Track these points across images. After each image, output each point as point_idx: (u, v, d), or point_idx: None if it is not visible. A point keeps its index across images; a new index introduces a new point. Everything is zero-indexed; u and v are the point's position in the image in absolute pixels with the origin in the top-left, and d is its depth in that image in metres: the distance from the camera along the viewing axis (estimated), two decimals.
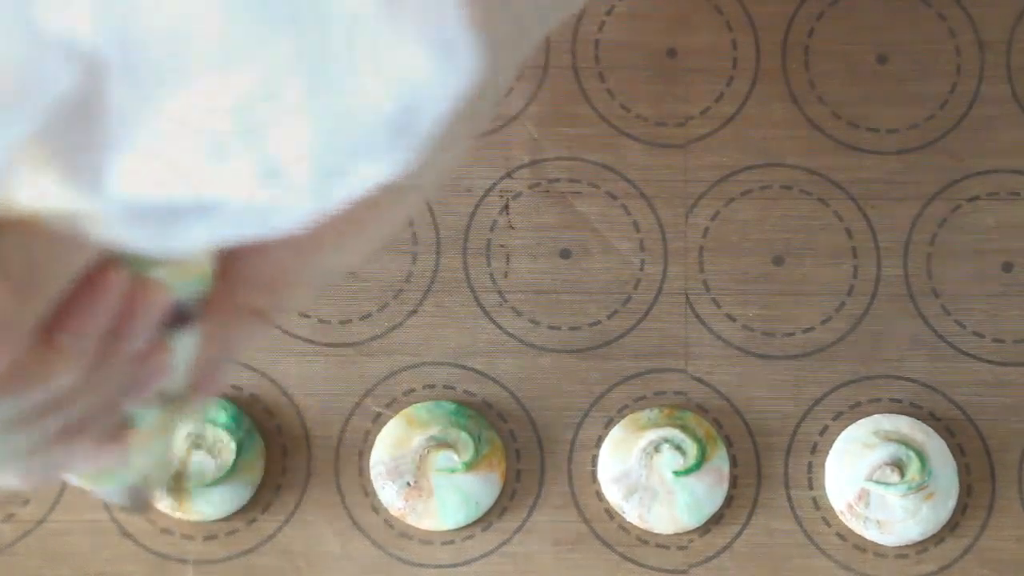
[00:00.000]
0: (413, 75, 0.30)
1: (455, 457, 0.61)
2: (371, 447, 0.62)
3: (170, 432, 0.41)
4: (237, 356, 0.41)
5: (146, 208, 0.30)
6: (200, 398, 0.40)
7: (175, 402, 0.40)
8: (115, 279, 0.34)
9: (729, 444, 0.63)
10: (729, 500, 0.63)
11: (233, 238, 0.31)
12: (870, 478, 0.61)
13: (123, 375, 0.36)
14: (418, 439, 0.61)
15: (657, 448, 0.61)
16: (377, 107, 0.30)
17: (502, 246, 0.65)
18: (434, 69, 0.30)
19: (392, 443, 0.62)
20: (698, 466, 0.61)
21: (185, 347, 0.37)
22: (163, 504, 0.61)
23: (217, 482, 0.61)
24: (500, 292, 0.65)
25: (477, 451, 0.61)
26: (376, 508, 0.62)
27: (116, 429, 0.39)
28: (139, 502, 0.48)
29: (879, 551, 0.62)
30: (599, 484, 0.63)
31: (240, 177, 0.29)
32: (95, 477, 0.44)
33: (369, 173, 0.31)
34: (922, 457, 0.61)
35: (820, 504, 0.63)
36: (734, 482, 0.63)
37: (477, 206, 0.65)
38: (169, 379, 0.38)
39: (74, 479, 0.44)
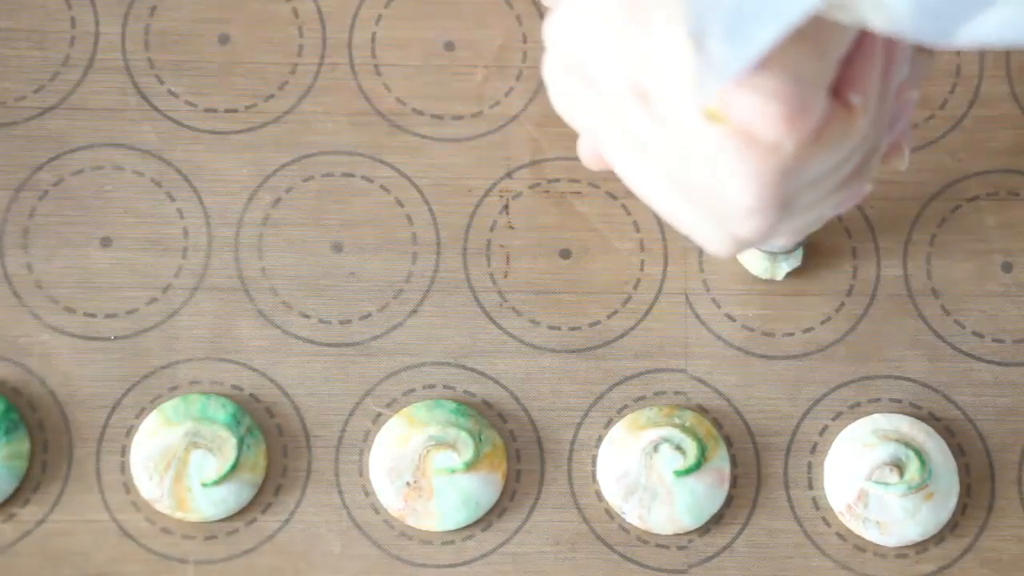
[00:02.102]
0: None
1: (455, 457, 0.61)
2: (371, 447, 0.62)
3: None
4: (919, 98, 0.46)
5: (940, 2, 0.32)
6: (904, 138, 0.46)
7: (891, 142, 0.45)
8: (879, 38, 0.37)
9: (729, 444, 0.63)
10: (729, 500, 0.63)
11: (1006, 43, 0.33)
12: (870, 478, 0.61)
13: (884, 118, 0.40)
14: (418, 439, 0.61)
15: (657, 448, 0.61)
16: None
17: (502, 246, 0.65)
18: None
19: (392, 443, 0.62)
20: (698, 466, 0.61)
21: (916, 77, 0.43)
22: (163, 505, 0.61)
23: (218, 482, 0.61)
24: (500, 292, 0.65)
25: (477, 451, 0.61)
26: (376, 508, 0.62)
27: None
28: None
29: (879, 551, 0.62)
30: (599, 484, 0.63)
31: None
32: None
33: None
34: (922, 457, 0.61)
35: (820, 504, 0.63)
36: (734, 482, 0.63)
37: (477, 206, 0.65)
38: (903, 122, 0.43)
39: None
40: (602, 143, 0.42)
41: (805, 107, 0.36)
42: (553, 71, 0.41)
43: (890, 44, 0.38)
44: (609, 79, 0.38)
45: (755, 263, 0.64)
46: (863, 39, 0.38)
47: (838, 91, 0.38)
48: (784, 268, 0.64)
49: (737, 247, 0.42)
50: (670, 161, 0.39)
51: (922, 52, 0.44)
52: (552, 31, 0.40)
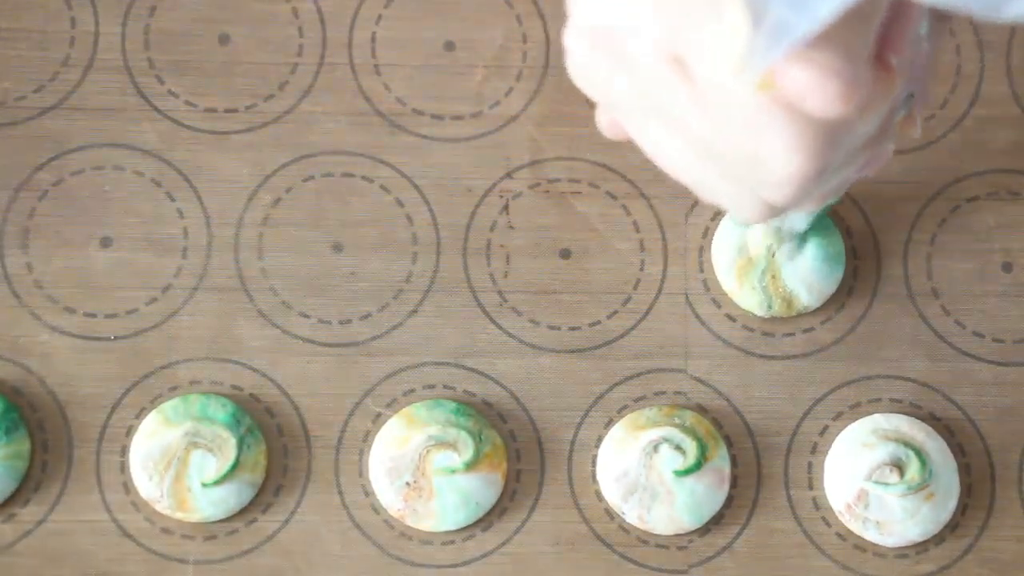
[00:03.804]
0: None
1: (455, 457, 0.61)
2: (371, 447, 0.62)
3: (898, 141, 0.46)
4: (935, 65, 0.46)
5: None
6: (919, 104, 0.46)
7: (910, 106, 0.45)
8: (913, 3, 0.38)
9: (729, 444, 0.63)
10: (729, 500, 0.63)
11: None
12: (870, 478, 0.61)
13: (903, 79, 0.40)
14: (418, 439, 0.61)
15: (657, 448, 0.61)
16: None
17: (502, 246, 0.65)
18: None
19: (392, 443, 0.62)
20: (698, 466, 0.61)
21: (926, 37, 0.43)
22: (163, 505, 0.61)
23: (218, 481, 0.61)
24: (500, 292, 0.65)
25: (477, 451, 0.61)
26: (376, 508, 0.62)
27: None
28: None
29: (879, 551, 0.62)
30: (599, 484, 0.63)
31: None
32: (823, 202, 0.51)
33: None
34: (922, 457, 0.61)
35: (820, 504, 0.63)
36: (734, 482, 0.63)
37: (477, 206, 0.65)
38: (917, 77, 0.44)
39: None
40: (624, 112, 0.42)
41: (858, 82, 0.36)
42: (576, 39, 0.41)
43: (916, 4, 0.38)
44: (641, 45, 0.38)
45: (750, 299, 0.64)
46: (898, 3, 0.38)
47: (877, 54, 0.38)
48: (804, 294, 0.63)
49: (769, 213, 0.42)
50: (702, 130, 0.39)
51: (939, 19, 0.45)
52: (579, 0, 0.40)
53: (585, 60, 0.41)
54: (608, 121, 0.45)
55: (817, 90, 0.35)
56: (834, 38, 0.35)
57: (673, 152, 0.41)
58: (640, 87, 0.39)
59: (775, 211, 0.42)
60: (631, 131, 0.42)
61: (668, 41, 0.37)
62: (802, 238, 0.63)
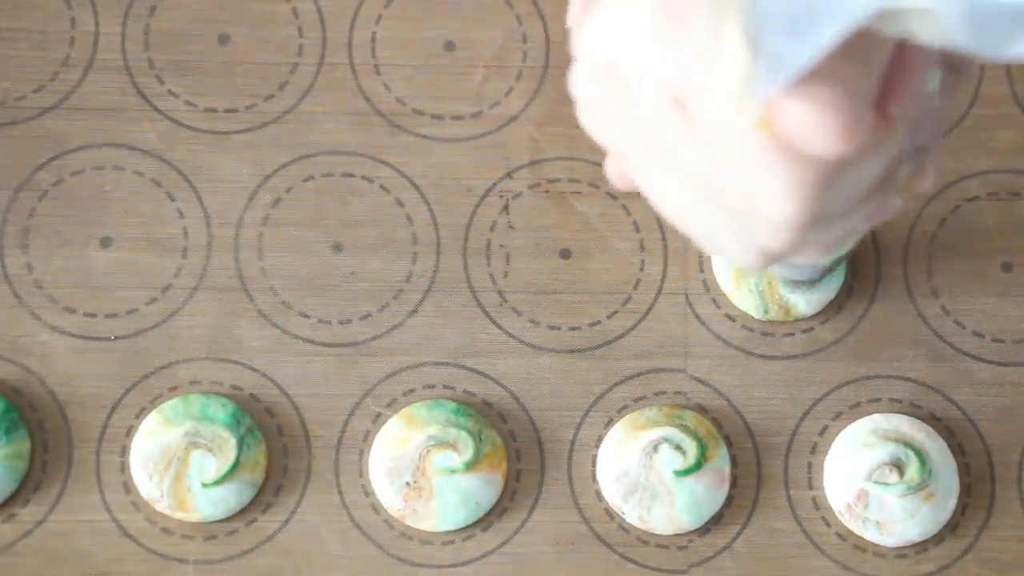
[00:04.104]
0: None
1: (455, 457, 0.61)
2: (371, 447, 0.62)
3: (904, 191, 0.45)
4: (948, 118, 0.45)
5: (992, 13, 0.31)
6: (930, 158, 0.45)
7: (920, 159, 0.44)
8: (918, 50, 0.37)
9: (729, 444, 0.63)
10: (729, 500, 0.63)
11: None
12: (869, 478, 0.61)
13: (907, 131, 0.40)
14: (418, 439, 0.61)
15: (657, 448, 0.61)
16: None
17: (502, 246, 0.65)
18: None
19: (392, 443, 0.62)
20: (698, 466, 0.61)
21: (934, 87, 0.42)
22: (163, 505, 0.61)
23: (218, 481, 0.61)
24: (500, 292, 0.65)
25: (477, 451, 0.61)
26: (376, 508, 0.62)
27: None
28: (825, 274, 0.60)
29: (879, 551, 0.62)
30: (599, 484, 0.63)
31: None
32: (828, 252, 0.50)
33: None
34: (922, 457, 0.61)
35: (820, 504, 0.63)
36: (734, 482, 0.63)
37: (477, 206, 0.65)
38: (925, 131, 0.43)
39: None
40: (628, 157, 0.41)
41: (859, 121, 0.35)
42: (582, 81, 0.40)
43: (919, 52, 0.38)
44: (642, 84, 0.38)
45: (747, 301, 0.64)
46: (903, 50, 0.37)
47: (878, 103, 0.37)
48: (802, 303, 0.63)
49: (766, 260, 0.42)
50: (702, 170, 0.38)
51: (952, 72, 0.44)
52: (584, 38, 0.39)
53: (590, 97, 0.41)
54: (617, 170, 0.45)
55: (816, 127, 0.35)
56: (834, 76, 0.35)
57: (676, 198, 0.41)
58: (643, 127, 0.39)
59: (774, 258, 0.42)
60: (636, 176, 0.42)
61: (670, 77, 0.37)
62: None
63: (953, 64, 0.44)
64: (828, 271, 0.62)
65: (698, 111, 0.37)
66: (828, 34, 0.33)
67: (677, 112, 0.37)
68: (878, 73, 0.37)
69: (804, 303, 0.63)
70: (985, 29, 0.32)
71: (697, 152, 0.38)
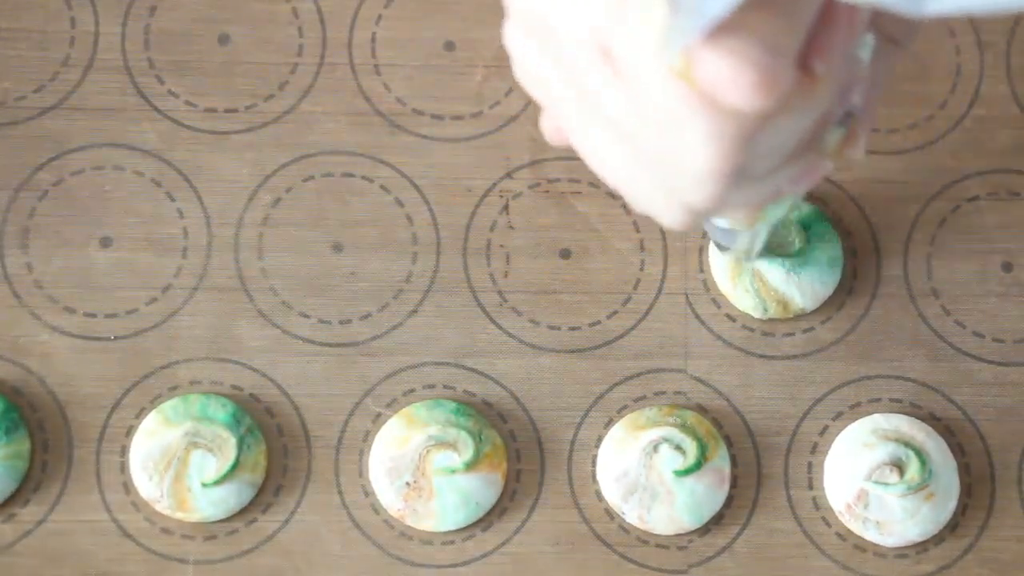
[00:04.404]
0: None
1: (455, 457, 0.61)
2: (371, 447, 0.62)
3: (836, 161, 0.45)
4: (883, 90, 0.45)
5: None
6: (861, 130, 0.45)
7: (848, 125, 0.44)
8: (847, 9, 0.37)
9: (729, 444, 0.63)
10: (729, 500, 0.63)
11: (983, 11, 0.33)
12: (870, 478, 0.61)
13: (837, 88, 0.40)
14: (418, 439, 0.61)
15: (657, 448, 0.61)
16: None
17: (502, 246, 0.65)
18: None
19: (392, 443, 0.62)
20: (698, 466, 0.61)
21: (865, 53, 0.42)
22: (163, 505, 0.61)
23: (218, 481, 0.61)
24: (500, 292, 0.65)
25: (477, 451, 0.61)
26: (376, 508, 0.62)
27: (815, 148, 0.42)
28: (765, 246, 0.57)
29: (879, 551, 0.62)
30: (599, 484, 0.63)
31: None
32: (758, 215, 0.49)
33: None
34: (922, 457, 0.61)
35: (820, 504, 0.63)
36: (734, 482, 0.63)
37: (477, 206, 0.65)
38: (854, 95, 0.42)
39: (726, 223, 0.50)
40: (561, 112, 0.41)
41: (776, 75, 0.35)
42: (514, 35, 0.40)
43: (850, 12, 0.38)
44: (571, 35, 0.38)
45: (745, 301, 0.64)
46: (831, 8, 0.37)
47: (802, 58, 0.37)
48: (798, 295, 0.63)
49: (690, 218, 0.42)
50: (628, 122, 0.38)
51: (889, 43, 0.44)
52: None
53: (521, 51, 0.40)
54: (552, 127, 0.45)
55: (731, 79, 0.35)
56: (753, 30, 0.35)
57: (606, 153, 0.41)
58: (572, 79, 0.39)
59: (699, 215, 0.41)
60: (568, 132, 0.42)
61: (596, 27, 0.37)
62: (798, 251, 0.63)
63: (891, 35, 0.43)
64: (764, 241, 0.61)
65: (623, 61, 0.37)
66: None
67: (604, 63, 0.37)
68: (803, 29, 0.36)
69: (800, 296, 0.63)
70: None
71: (623, 104, 0.38)
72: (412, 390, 0.63)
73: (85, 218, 0.64)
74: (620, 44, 0.36)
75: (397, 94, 0.66)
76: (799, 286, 0.63)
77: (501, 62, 0.67)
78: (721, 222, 0.55)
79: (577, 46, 0.38)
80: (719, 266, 0.64)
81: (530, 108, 0.66)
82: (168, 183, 0.65)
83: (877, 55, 0.44)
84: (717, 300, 0.65)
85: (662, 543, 0.62)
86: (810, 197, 0.65)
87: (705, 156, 0.37)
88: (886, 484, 0.61)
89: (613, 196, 0.65)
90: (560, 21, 0.38)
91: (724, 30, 0.34)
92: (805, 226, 0.64)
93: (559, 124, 0.43)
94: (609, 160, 0.41)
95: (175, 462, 0.61)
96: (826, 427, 0.64)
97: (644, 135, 0.38)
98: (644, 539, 0.62)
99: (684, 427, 0.62)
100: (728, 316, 0.64)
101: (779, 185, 0.42)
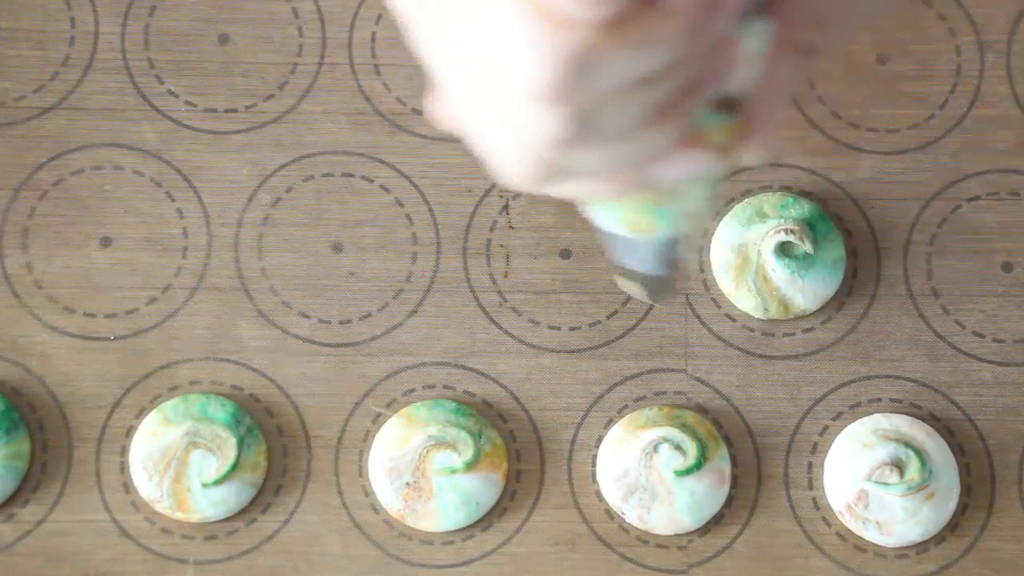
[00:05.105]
0: None
1: (455, 457, 0.61)
2: (371, 447, 0.62)
3: (720, 147, 0.43)
4: (786, 94, 0.43)
5: None
6: (754, 129, 0.42)
7: (735, 116, 0.42)
8: None
9: (729, 444, 0.63)
10: (729, 500, 0.63)
11: None
12: (870, 478, 0.61)
13: (705, 59, 0.38)
14: (418, 439, 0.61)
15: (657, 448, 0.61)
16: None
17: (502, 246, 0.65)
18: None
19: (392, 443, 0.62)
20: (699, 466, 0.61)
21: (754, 41, 0.40)
22: (163, 505, 0.61)
23: (218, 482, 0.61)
24: (500, 292, 0.65)
25: (477, 451, 0.61)
26: (376, 508, 0.62)
27: (691, 134, 0.40)
28: (671, 268, 0.50)
29: (879, 551, 0.62)
30: (599, 484, 0.63)
31: None
32: (649, 210, 0.46)
33: None
34: (922, 457, 0.61)
35: (820, 504, 0.63)
36: (734, 482, 0.63)
37: (477, 206, 0.65)
38: (735, 83, 0.40)
39: (618, 223, 0.47)
40: (419, 36, 0.40)
41: None
42: None
43: None
44: None
45: (747, 301, 0.63)
46: None
47: None
48: (799, 296, 0.63)
49: (541, 168, 0.40)
50: (471, 44, 0.37)
51: (791, 48, 0.42)
52: None
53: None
54: (434, 107, 0.43)
55: None
56: None
57: (454, 92, 0.39)
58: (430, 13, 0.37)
59: (549, 167, 0.40)
60: (426, 58, 0.41)
61: None
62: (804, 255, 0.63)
63: (795, 42, 0.42)
64: (673, 262, 0.53)
65: None
66: None
67: None
68: None
69: (801, 297, 0.63)
70: None
71: (465, 20, 0.36)
72: (412, 390, 0.63)
73: (85, 218, 0.64)
74: None
75: (397, 94, 0.66)
76: (802, 287, 0.63)
77: None
78: (609, 224, 0.50)
79: None
80: (721, 263, 0.64)
81: None
82: (168, 183, 0.65)
83: (779, 57, 0.42)
84: (717, 300, 0.65)
85: (662, 543, 0.62)
86: (810, 197, 0.65)
87: (533, 70, 0.35)
88: (886, 484, 0.61)
89: (704, 211, 0.65)
90: None
91: None
92: (810, 226, 0.64)
93: (441, 100, 0.42)
94: (460, 102, 0.39)
95: (175, 462, 0.61)
96: (826, 427, 0.64)
97: (484, 57, 0.37)
98: (644, 539, 0.62)
99: (684, 427, 0.62)
100: (728, 316, 0.64)
101: (640, 154, 0.41)
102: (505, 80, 0.37)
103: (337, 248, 0.65)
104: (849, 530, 0.62)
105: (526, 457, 0.63)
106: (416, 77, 0.66)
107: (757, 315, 0.64)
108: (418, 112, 0.66)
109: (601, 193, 0.44)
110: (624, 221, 0.48)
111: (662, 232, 0.47)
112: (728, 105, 0.41)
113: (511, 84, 0.36)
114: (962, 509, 0.63)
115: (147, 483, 0.61)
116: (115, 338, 0.63)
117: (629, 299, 0.65)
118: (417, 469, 0.61)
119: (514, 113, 0.38)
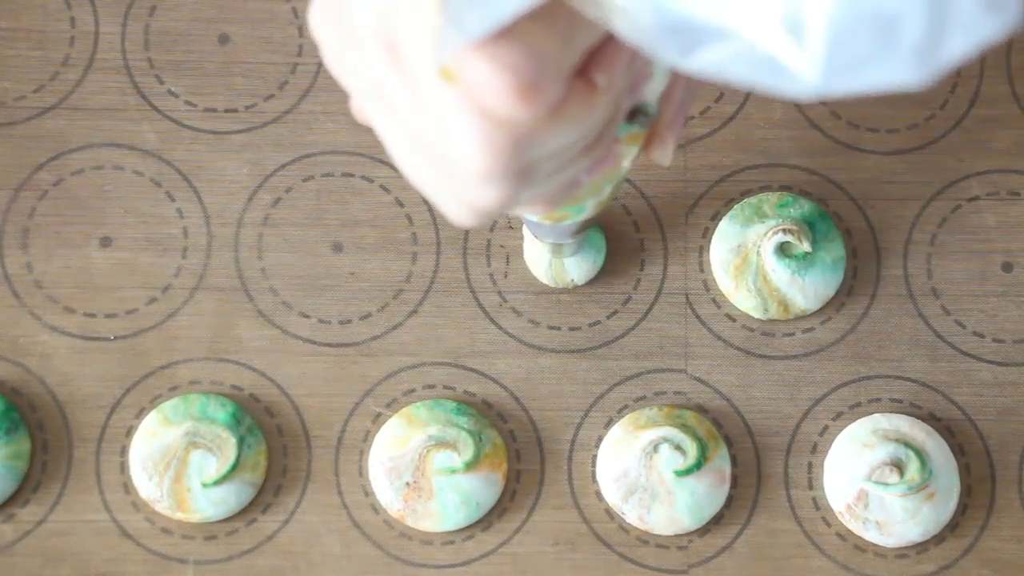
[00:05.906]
0: None
1: (455, 457, 0.61)
2: (371, 447, 0.62)
3: (633, 148, 0.46)
4: (689, 103, 0.46)
5: (678, 22, 0.33)
6: (662, 133, 0.46)
7: (646, 123, 0.45)
8: None
9: (729, 444, 0.63)
10: (729, 500, 0.63)
11: (736, 78, 0.34)
12: (870, 478, 0.61)
13: (624, 88, 0.40)
14: (418, 439, 0.61)
15: (657, 448, 0.61)
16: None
17: (502, 246, 0.65)
18: None
19: (392, 443, 0.62)
20: (699, 466, 0.61)
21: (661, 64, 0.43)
22: (163, 505, 0.61)
23: (218, 482, 0.61)
24: (500, 292, 0.65)
25: (477, 451, 0.61)
26: (376, 508, 0.62)
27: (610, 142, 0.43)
28: (576, 236, 0.57)
29: (879, 551, 0.62)
30: (599, 484, 0.63)
31: (765, 17, 0.32)
32: (567, 207, 0.50)
33: (879, 77, 0.33)
34: (922, 457, 0.61)
35: (820, 504, 0.63)
36: (734, 482, 0.63)
37: None
38: (644, 95, 0.43)
39: (535, 218, 0.51)
40: (361, 101, 0.41)
41: (539, 84, 0.35)
42: (317, 20, 0.40)
43: None
44: (363, 23, 0.37)
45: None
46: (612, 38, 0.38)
47: (583, 69, 0.37)
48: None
49: (477, 217, 0.41)
50: (413, 120, 0.38)
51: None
52: None
53: (326, 37, 0.40)
54: (358, 109, 0.44)
55: (491, 84, 0.35)
56: (520, 40, 0.34)
57: (395, 143, 0.41)
58: (366, 71, 0.39)
59: (488, 215, 0.41)
60: (369, 116, 0.42)
61: (383, 27, 0.37)
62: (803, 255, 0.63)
63: None
64: (580, 231, 0.58)
65: (406, 59, 0.36)
66: (509, 8, 0.33)
67: (391, 58, 0.37)
68: (584, 44, 0.36)
69: (802, 297, 0.63)
70: (672, 36, 0.33)
71: (407, 100, 0.38)
72: (412, 390, 0.63)
73: (85, 218, 0.64)
74: (403, 41, 0.36)
75: None
76: (802, 287, 0.63)
77: None
78: (532, 218, 0.54)
79: (367, 35, 0.37)
80: (721, 264, 0.64)
81: None
82: (168, 183, 0.65)
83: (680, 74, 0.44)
84: (717, 300, 0.65)
85: (662, 543, 0.62)
86: (810, 197, 0.65)
87: (478, 160, 0.37)
88: (886, 484, 0.61)
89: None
90: (356, 15, 0.38)
91: (496, 37, 0.34)
92: (810, 226, 0.64)
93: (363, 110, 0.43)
94: (402, 155, 0.41)
95: (175, 462, 0.61)
96: (826, 427, 0.64)
97: (428, 135, 0.38)
98: (644, 539, 0.62)
99: (684, 427, 0.62)
100: (728, 316, 0.64)
101: (571, 179, 0.42)
102: (447, 158, 0.38)
103: (337, 248, 0.65)
104: (849, 530, 0.62)
105: (526, 457, 0.63)
106: None
107: (757, 315, 0.64)
108: None
109: (536, 212, 0.46)
110: (546, 216, 0.51)
111: (574, 218, 0.51)
112: (637, 114, 0.44)
113: (453, 163, 0.38)
114: (962, 509, 0.63)
115: (147, 483, 0.61)
116: (115, 338, 0.63)
117: (629, 299, 0.65)
118: (417, 469, 0.61)
119: (456, 182, 0.39)
